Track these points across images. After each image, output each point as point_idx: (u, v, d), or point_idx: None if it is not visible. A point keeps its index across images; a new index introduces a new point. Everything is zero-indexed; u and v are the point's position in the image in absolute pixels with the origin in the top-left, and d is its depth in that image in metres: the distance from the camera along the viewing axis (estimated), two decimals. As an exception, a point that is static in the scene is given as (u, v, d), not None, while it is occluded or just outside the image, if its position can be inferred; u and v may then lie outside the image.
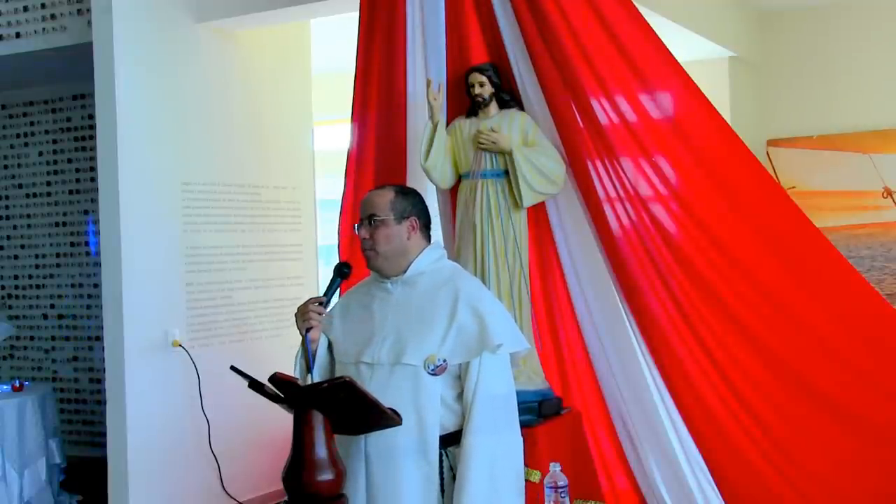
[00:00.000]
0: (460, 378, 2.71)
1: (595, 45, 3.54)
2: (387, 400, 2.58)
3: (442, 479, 2.69)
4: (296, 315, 2.79)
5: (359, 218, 2.84)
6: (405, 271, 2.80)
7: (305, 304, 2.78)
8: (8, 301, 5.63)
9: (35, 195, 5.56)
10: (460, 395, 2.71)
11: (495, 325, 2.69)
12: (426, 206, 2.90)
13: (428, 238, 2.87)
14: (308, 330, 2.75)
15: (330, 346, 2.89)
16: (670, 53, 3.55)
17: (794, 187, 5.98)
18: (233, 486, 4.38)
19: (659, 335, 3.51)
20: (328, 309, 2.83)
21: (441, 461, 2.69)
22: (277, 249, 4.84)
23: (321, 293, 2.83)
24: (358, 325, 2.83)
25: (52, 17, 4.65)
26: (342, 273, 2.86)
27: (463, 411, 2.69)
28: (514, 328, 2.82)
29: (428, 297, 2.76)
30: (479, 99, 3.63)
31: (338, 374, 2.82)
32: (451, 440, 2.70)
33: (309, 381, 2.73)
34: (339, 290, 2.92)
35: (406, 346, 2.70)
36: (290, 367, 2.84)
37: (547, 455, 3.26)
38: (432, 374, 2.67)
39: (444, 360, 2.68)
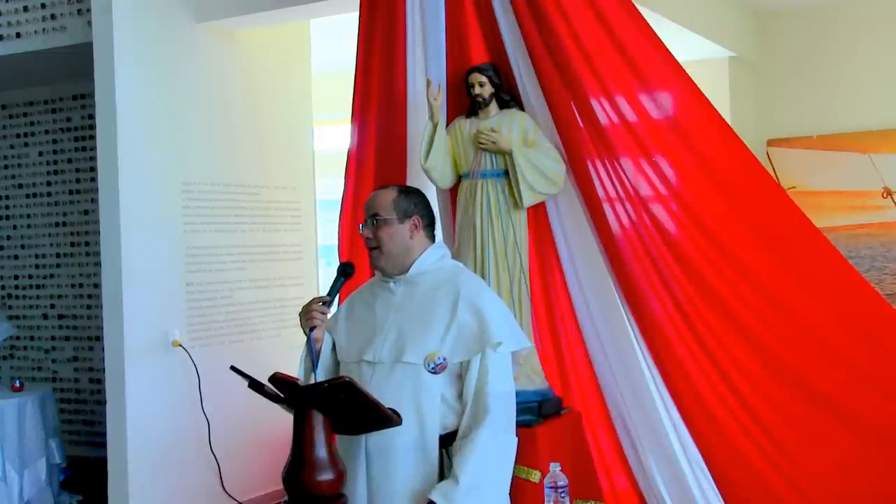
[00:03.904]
0: (461, 377, 2.71)
1: (595, 45, 3.54)
2: (387, 398, 2.59)
3: (442, 477, 2.69)
4: (300, 315, 2.79)
5: (360, 218, 2.85)
6: (408, 270, 2.80)
7: (309, 304, 2.78)
8: (8, 301, 5.63)
9: (35, 195, 5.55)
10: (461, 394, 2.71)
11: (495, 323, 2.69)
12: (430, 206, 2.91)
13: (432, 237, 2.88)
14: (312, 329, 2.75)
15: (334, 347, 2.90)
16: (670, 53, 3.55)
17: (794, 187, 5.98)
18: (233, 486, 4.38)
19: (659, 335, 3.51)
20: (332, 308, 2.84)
21: (441, 459, 2.69)
22: (277, 249, 4.84)
23: (322, 293, 2.84)
24: (360, 324, 2.84)
25: (52, 17, 4.65)
26: (346, 273, 2.85)
27: (463, 409, 2.69)
28: (514, 327, 2.81)
29: (429, 296, 2.76)
30: (479, 99, 3.63)
31: (341, 373, 2.83)
32: (451, 439, 2.70)
33: (313, 381, 2.73)
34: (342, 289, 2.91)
35: (406, 344, 2.70)
36: (290, 367, 2.84)
37: (547, 455, 3.26)
38: (432, 373, 2.67)
39: (444, 359, 2.68)
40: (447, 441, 2.70)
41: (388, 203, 2.79)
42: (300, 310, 2.80)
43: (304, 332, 2.77)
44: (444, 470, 2.69)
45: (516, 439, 2.73)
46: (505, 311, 2.81)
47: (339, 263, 2.96)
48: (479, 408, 2.65)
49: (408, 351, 2.69)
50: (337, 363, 2.89)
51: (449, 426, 2.70)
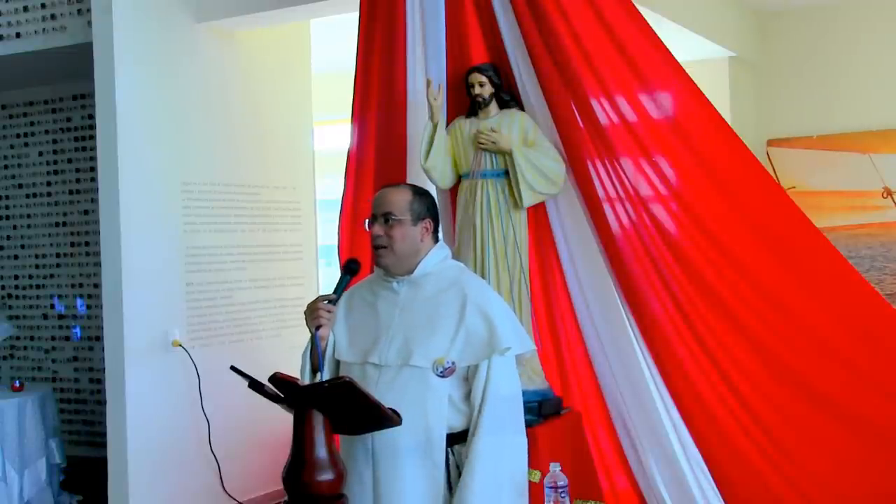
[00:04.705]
0: (467, 379, 2.71)
1: (595, 45, 3.54)
2: (394, 401, 2.58)
3: (449, 477, 2.70)
4: (305, 313, 2.77)
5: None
6: (412, 271, 2.80)
7: (315, 302, 2.76)
8: (8, 301, 5.63)
9: (35, 195, 5.56)
10: (467, 396, 2.71)
11: (503, 327, 2.70)
12: (437, 208, 2.91)
13: (436, 238, 2.88)
14: (318, 328, 2.73)
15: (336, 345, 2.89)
16: (670, 53, 3.55)
17: (794, 187, 5.99)
18: (233, 486, 4.38)
19: (659, 335, 3.51)
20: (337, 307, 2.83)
21: (448, 460, 2.70)
22: (277, 249, 4.84)
23: (322, 293, 2.82)
24: (362, 324, 2.83)
25: (52, 17, 4.65)
26: (351, 270, 2.83)
27: (470, 412, 2.70)
28: (520, 330, 2.82)
29: (435, 299, 2.75)
30: (479, 99, 3.63)
31: (342, 373, 2.82)
32: (458, 439, 2.71)
33: (318, 380, 2.72)
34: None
35: (414, 348, 2.70)
36: (290, 367, 2.83)
37: (547, 455, 3.26)
38: (441, 377, 2.67)
39: (453, 363, 2.68)
40: (453, 441, 2.71)
41: (404, 204, 2.78)
42: (305, 308, 2.78)
43: (310, 330, 2.75)
44: (451, 470, 2.70)
45: (526, 440, 2.74)
46: (511, 315, 2.82)
47: (344, 261, 2.93)
48: (489, 412, 2.66)
49: (415, 355, 2.69)
50: (338, 361, 2.88)
51: (456, 427, 2.70)
